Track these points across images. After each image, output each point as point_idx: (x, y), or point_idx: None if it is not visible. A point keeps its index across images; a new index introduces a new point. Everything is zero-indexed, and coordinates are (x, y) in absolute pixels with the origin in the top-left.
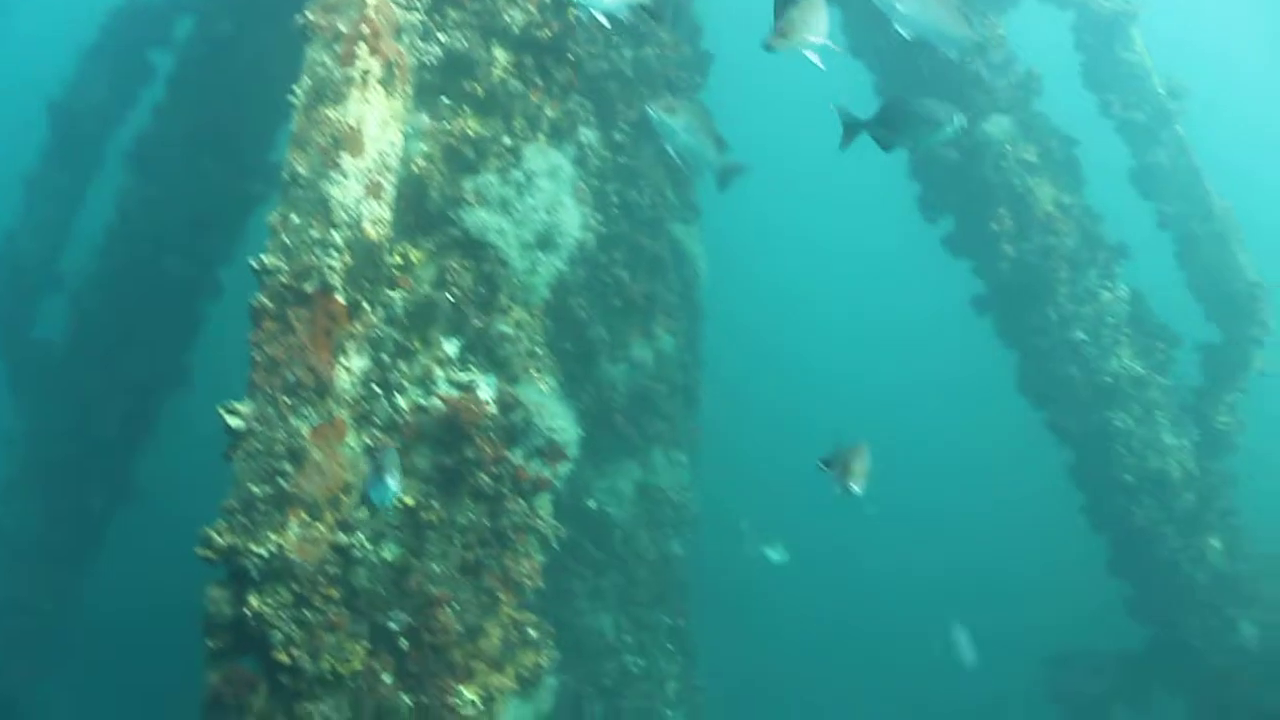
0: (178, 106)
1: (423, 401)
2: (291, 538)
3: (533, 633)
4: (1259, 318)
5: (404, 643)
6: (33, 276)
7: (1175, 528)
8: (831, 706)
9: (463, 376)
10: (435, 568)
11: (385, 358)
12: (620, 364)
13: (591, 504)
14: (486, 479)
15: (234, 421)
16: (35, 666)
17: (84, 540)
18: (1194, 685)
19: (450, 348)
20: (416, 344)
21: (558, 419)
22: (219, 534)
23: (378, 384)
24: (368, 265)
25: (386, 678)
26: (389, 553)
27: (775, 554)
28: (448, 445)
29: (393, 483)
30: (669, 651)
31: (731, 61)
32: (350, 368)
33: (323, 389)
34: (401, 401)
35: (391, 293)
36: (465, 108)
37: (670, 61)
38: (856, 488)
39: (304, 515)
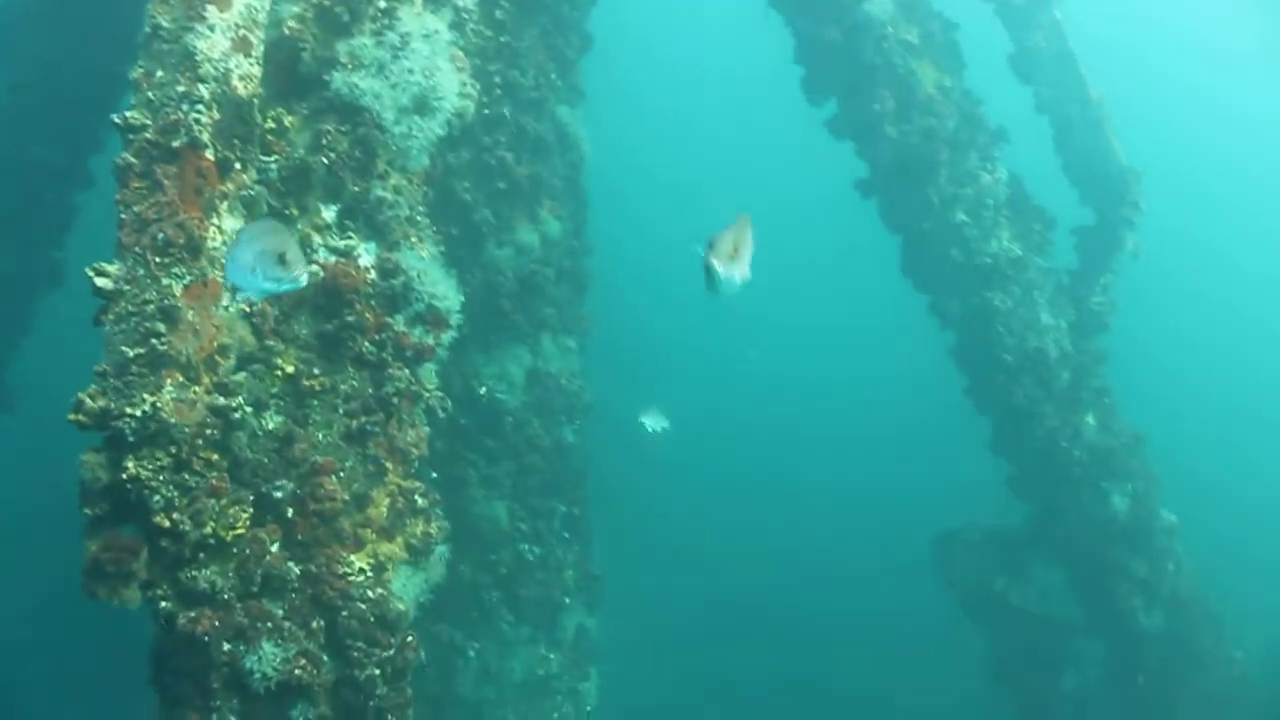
0: None
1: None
2: (167, 399)
3: (421, 501)
4: (1130, 199)
5: (290, 511)
6: None
7: (1053, 406)
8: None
9: (342, 243)
10: (319, 436)
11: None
12: (506, 248)
13: (482, 391)
14: (369, 346)
15: (102, 282)
16: None
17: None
18: (1070, 558)
19: (328, 214)
20: (293, 210)
21: (439, 285)
22: (91, 398)
23: None
24: (238, 123)
25: (273, 547)
26: (271, 422)
27: (653, 423)
28: (328, 312)
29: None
30: (565, 540)
31: None
32: (223, 228)
33: (195, 247)
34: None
35: (266, 158)
36: None
37: None
38: (734, 274)
39: (179, 377)
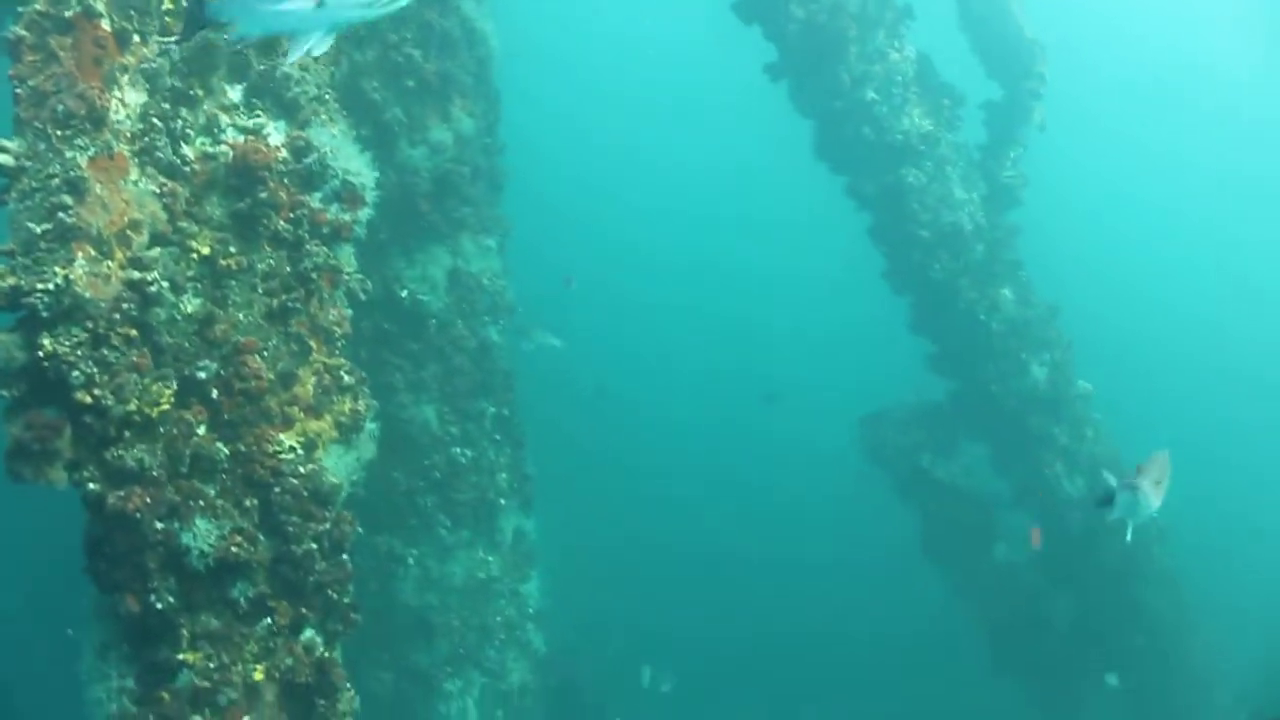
0: None
1: (210, 149)
2: (80, 273)
3: (348, 379)
4: (1036, 71)
5: (215, 392)
6: None
7: (970, 279)
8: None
9: (250, 122)
10: (240, 317)
11: (165, 106)
12: (420, 147)
13: (404, 294)
14: (284, 224)
15: (3, 159)
16: None
17: None
18: (993, 430)
19: (234, 93)
20: (198, 90)
21: (353, 162)
22: (0, 277)
23: (159, 125)
24: None
25: (200, 429)
26: (190, 305)
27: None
28: (240, 191)
29: None
30: (496, 441)
31: None
32: (126, 101)
33: (97, 119)
34: (188, 150)
35: (165, 38)
36: None
37: None
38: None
39: (91, 250)
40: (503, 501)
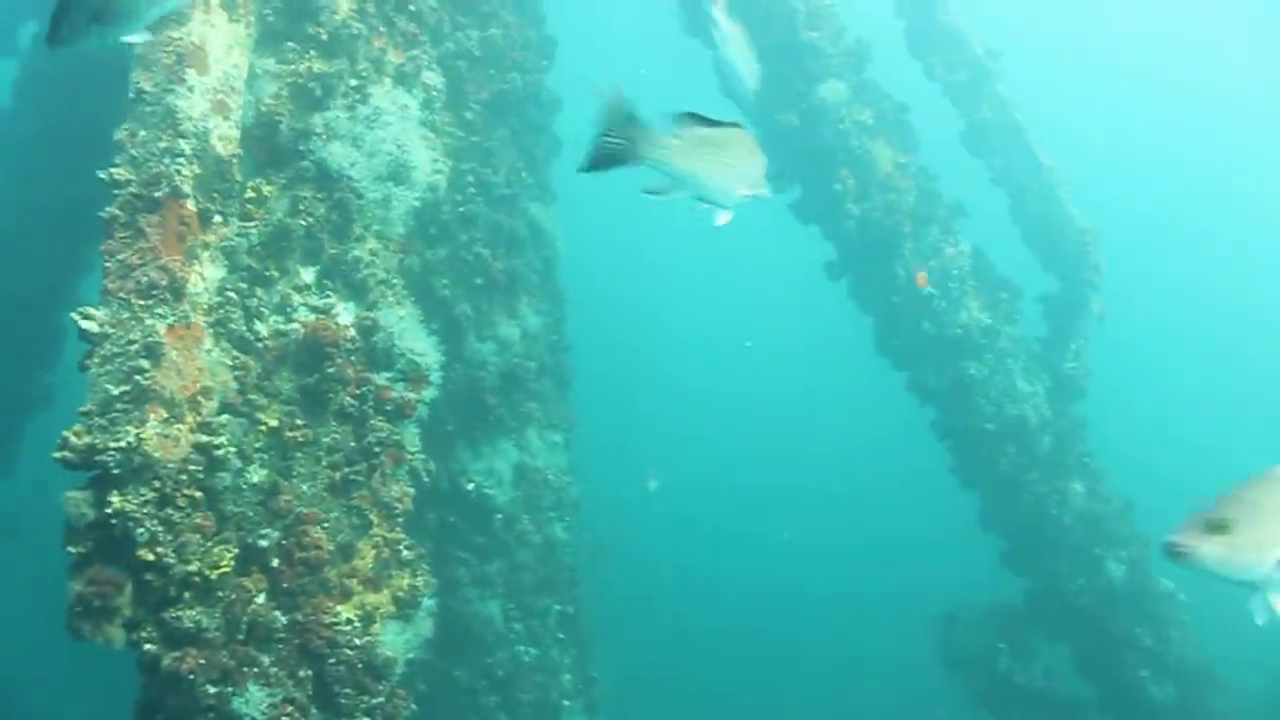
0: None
1: (282, 327)
2: (151, 433)
3: (407, 554)
4: (1091, 262)
5: (275, 561)
6: None
7: (1038, 473)
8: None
9: (320, 302)
10: (304, 488)
11: (242, 285)
12: (488, 342)
13: (470, 487)
14: (350, 400)
15: (88, 325)
16: None
17: None
18: (1071, 630)
19: (307, 275)
20: (274, 271)
21: (419, 343)
22: (76, 435)
23: (235, 300)
24: (217, 179)
25: (259, 597)
26: (255, 476)
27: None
28: (309, 367)
29: None
30: (561, 641)
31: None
32: (205, 276)
33: (177, 289)
34: (261, 327)
35: (245, 223)
36: (310, 50)
37: (516, 43)
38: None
39: (163, 412)
40: (566, 703)
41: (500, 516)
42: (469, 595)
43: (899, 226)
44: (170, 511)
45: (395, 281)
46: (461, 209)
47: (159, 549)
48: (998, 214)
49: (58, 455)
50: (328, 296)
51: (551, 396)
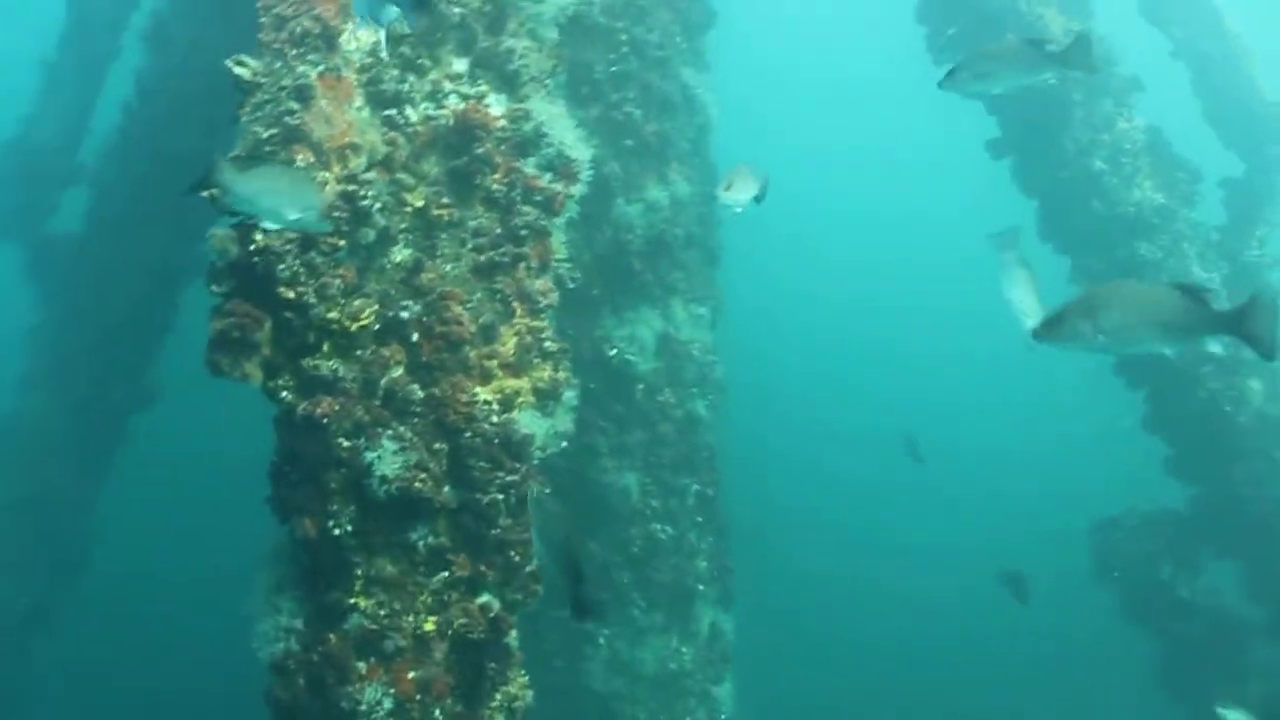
0: None
1: (433, 112)
2: None
3: (550, 345)
4: None
5: (416, 335)
6: (51, 165)
7: (1213, 366)
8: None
9: (472, 90)
10: (448, 268)
11: (394, 70)
12: (636, 204)
13: (612, 353)
14: (498, 185)
15: (241, 71)
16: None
17: (105, 436)
18: (1242, 542)
19: (460, 65)
20: (426, 60)
21: (569, 136)
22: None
23: (388, 68)
24: None
25: (398, 370)
26: (400, 255)
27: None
28: (458, 150)
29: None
30: (699, 524)
31: None
32: (358, 36)
33: (330, 39)
34: (412, 113)
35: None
36: None
37: None
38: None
39: (310, 155)
40: (701, 588)
41: (642, 386)
42: (606, 465)
43: (1069, 95)
44: (313, 255)
45: (548, 82)
46: (614, 69)
47: (300, 288)
48: (1179, 89)
49: (205, 194)
50: (479, 85)
51: (698, 269)
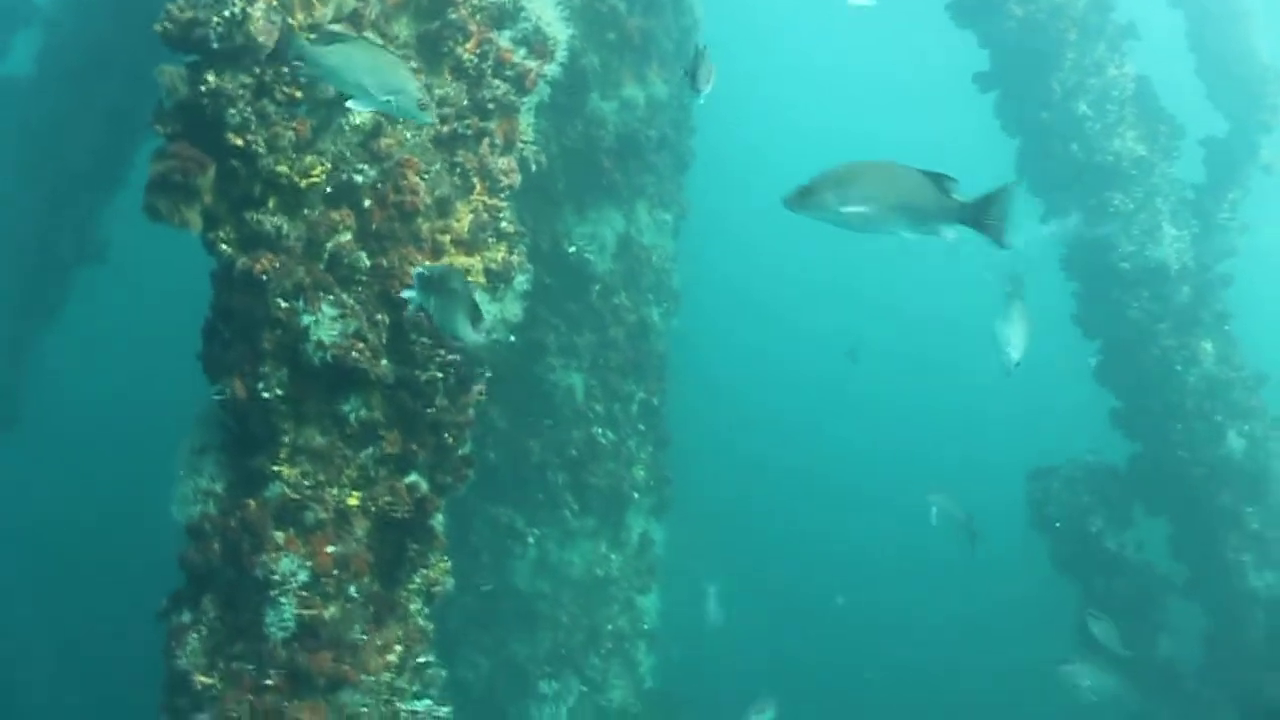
0: None
1: None
2: (258, 14)
3: (506, 225)
4: (1270, 103)
5: (368, 202)
6: (3, 5)
7: (1170, 324)
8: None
9: None
10: (407, 135)
11: None
12: (611, 101)
13: (571, 249)
14: (468, 55)
15: None
16: None
17: (50, 289)
18: (1175, 500)
19: None
20: None
21: (548, 13)
22: (179, 9)
23: None
24: None
25: (346, 235)
26: (359, 117)
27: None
28: (431, 13)
29: None
30: (640, 432)
31: None
32: None
33: None
34: None
35: None
36: None
37: None
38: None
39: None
40: (636, 496)
41: (598, 287)
42: (553, 363)
43: (1064, 34)
44: (266, 103)
45: None
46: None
47: (249, 136)
48: (1174, 41)
49: (157, 26)
50: None
51: (668, 174)
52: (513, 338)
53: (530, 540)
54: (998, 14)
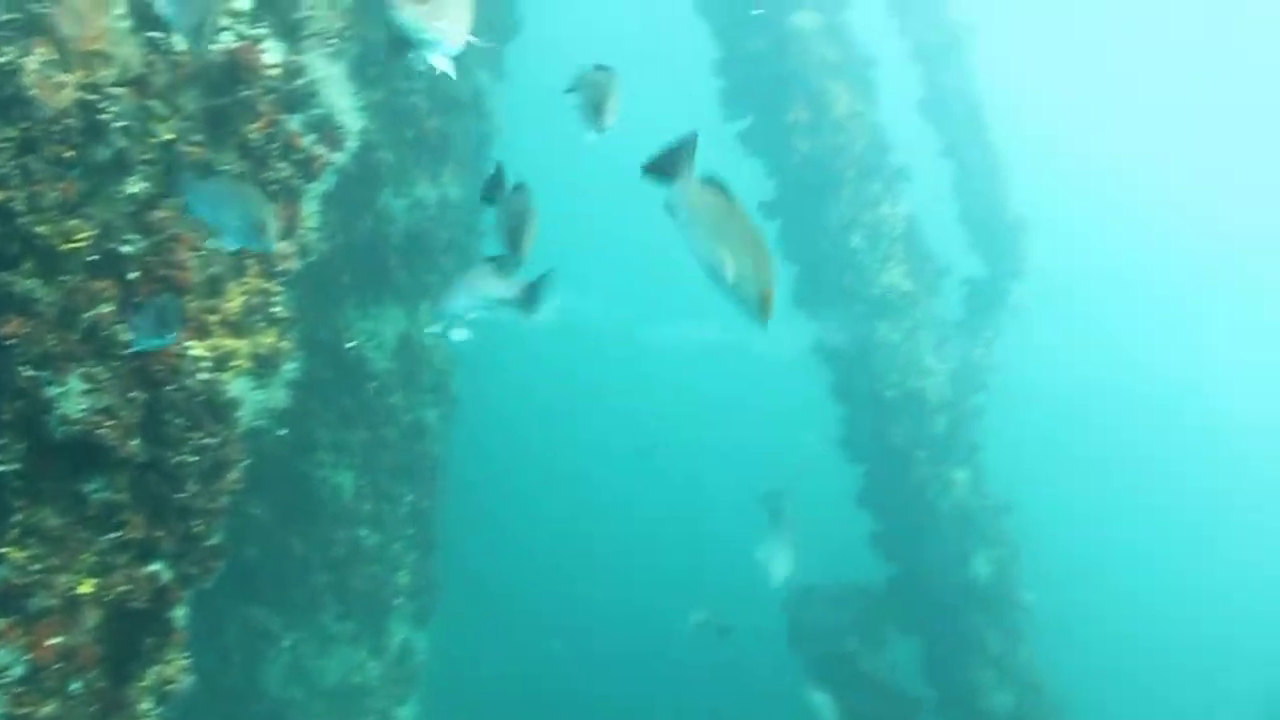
0: None
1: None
2: (33, 66)
3: (279, 311)
4: (1019, 252)
5: (134, 275)
6: None
7: (928, 452)
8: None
9: (251, 31)
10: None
11: None
12: (403, 199)
13: (350, 344)
14: (256, 135)
15: None
16: None
17: None
18: (925, 622)
19: (243, 2)
20: None
21: (343, 102)
22: None
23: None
24: None
25: (107, 306)
26: (135, 186)
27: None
28: (222, 89)
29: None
30: (408, 536)
31: None
32: None
33: None
34: (176, 40)
35: None
36: None
37: None
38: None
39: (52, 52)
40: (399, 602)
41: (374, 384)
42: (323, 459)
43: (843, 171)
44: (31, 161)
45: (333, 39)
46: None
47: (10, 191)
48: (940, 187)
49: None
50: (260, 28)
51: (455, 275)
52: (283, 430)
53: (285, 643)
54: (784, 147)
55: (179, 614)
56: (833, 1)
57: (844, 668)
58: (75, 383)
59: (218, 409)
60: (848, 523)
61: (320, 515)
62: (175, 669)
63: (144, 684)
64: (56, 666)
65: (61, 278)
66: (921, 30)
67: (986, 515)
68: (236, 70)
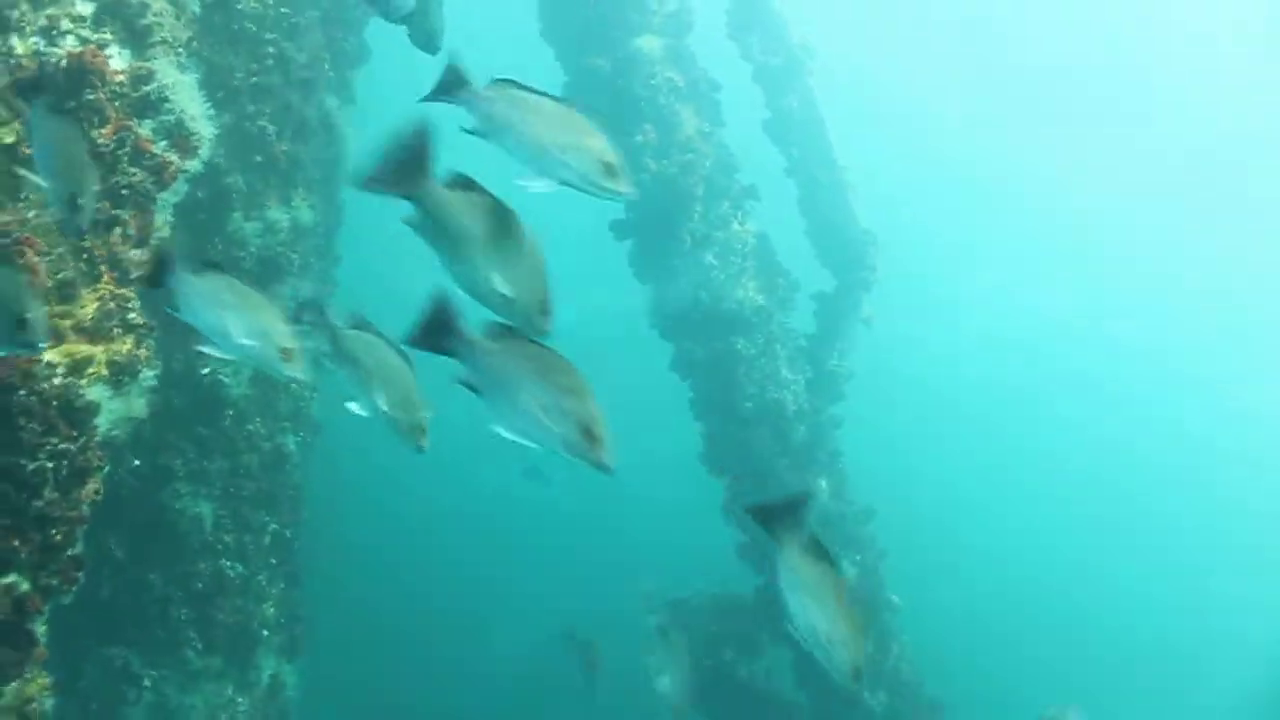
0: None
1: (43, 49)
2: None
3: (135, 318)
4: (868, 263)
5: None
6: None
7: (789, 461)
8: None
9: (95, 36)
10: (30, 215)
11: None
12: (254, 222)
13: (204, 372)
14: (105, 140)
15: None
16: None
17: None
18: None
19: (84, 8)
20: None
21: (195, 109)
22: None
23: None
24: None
25: None
26: None
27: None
28: (67, 94)
29: None
30: (272, 566)
31: None
32: None
33: None
34: (18, 44)
35: None
36: None
37: None
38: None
39: None
40: (266, 634)
41: (231, 412)
42: (180, 490)
43: (693, 189)
44: None
45: (180, 50)
46: (255, 79)
47: None
48: (787, 205)
49: None
50: (103, 33)
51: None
52: (136, 461)
53: (147, 683)
54: (634, 166)
55: (40, 628)
56: (675, 27)
57: (724, 679)
58: None
59: (74, 414)
60: (715, 534)
61: (180, 547)
62: (37, 687)
63: (3, 702)
64: None
65: None
66: (761, 53)
67: (850, 520)
68: (81, 73)
